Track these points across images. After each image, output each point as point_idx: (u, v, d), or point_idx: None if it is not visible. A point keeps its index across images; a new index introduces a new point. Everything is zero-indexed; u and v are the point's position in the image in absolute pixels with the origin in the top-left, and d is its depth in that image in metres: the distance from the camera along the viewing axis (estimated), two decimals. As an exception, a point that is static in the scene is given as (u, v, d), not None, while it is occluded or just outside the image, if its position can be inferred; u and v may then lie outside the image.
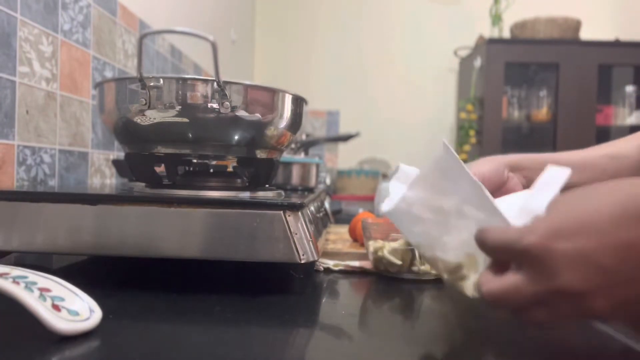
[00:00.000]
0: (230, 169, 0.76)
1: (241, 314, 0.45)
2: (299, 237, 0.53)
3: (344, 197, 1.95)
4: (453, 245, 0.42)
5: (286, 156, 1.16)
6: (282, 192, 0.69)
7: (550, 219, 0.33)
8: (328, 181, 2.03)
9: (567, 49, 2.43)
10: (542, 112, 2.60)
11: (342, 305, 0.53)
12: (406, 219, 0.45)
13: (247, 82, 0.59)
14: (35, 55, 0.80)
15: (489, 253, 0.36)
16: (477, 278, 0.38)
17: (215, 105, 0.58)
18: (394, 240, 0.63)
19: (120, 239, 0.53)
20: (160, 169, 0.68)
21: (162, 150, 0.63)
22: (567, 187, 0.38)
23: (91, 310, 0.39)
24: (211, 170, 0.72)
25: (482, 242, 0.36)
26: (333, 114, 2.86)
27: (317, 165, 1.17)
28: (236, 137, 0.62)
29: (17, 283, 0.36)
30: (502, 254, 0.35)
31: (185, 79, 0.58)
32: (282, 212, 0.53)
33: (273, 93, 0.63)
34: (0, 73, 0.72)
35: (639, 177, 0.33)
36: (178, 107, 0.58)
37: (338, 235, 0.89)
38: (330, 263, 0.66)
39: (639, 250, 0.30)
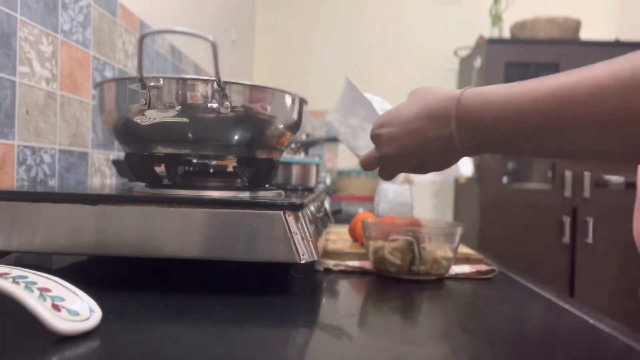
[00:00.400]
0: (230, 169, 0.76)
1: (241, 314, 0.45)
2: (299, 237, 0.53)
3: (344, 197, 1.95)
4: (362, 147, 0.72)
5: (286, 156, 1.16)
6: (282, 192, 0.69)
7: (385, 115, 0.54)
8: (328, 181, 2.03)
9: (567, 49, 2.43)
10: (542, 112, 2.59)
11: (342, 305, 0.53)
12: (335, 130, 0.77)
13: (247, 82, 0.59)
14: (35, 55, 0.80)
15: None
16: None
17: (215, 105, 0.58)
18: (394, 240, 0.63)
19: (120, 239, 0.53)
20: (160, 169, 0.69)
21: (162, 150, 0.63)
22: None
23: (91, 310, 0.39)
24: (211, 170, 0.72)
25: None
26: (333, 114, 2.86)
27: (317, 165, 1.17)
28: (236, 137, 0.62)
29: (17, 283, 0.36)
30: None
31: (185, 79, 0.58)
32: (282, 212, 0.53)
33: (273, 93, 0.63)
34: (0, 73, 0.72)
35: (440, 88, 0.49)
36: (178, 107, 0.58)
37: (338, 235, 0.89)
38: (331, 263, 0.66)
39: (419, 137, 0.49)
